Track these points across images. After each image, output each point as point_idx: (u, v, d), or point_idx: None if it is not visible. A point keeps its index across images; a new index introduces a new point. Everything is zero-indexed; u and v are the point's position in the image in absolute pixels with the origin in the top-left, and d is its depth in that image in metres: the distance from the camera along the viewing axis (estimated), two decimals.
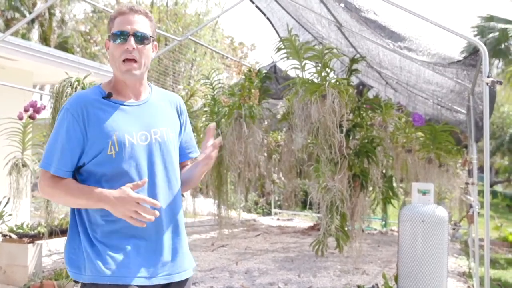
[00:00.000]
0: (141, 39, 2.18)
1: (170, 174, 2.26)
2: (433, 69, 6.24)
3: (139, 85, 2.26)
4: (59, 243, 7.88)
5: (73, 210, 2.20)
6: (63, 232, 6.35)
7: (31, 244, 5.97)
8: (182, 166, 2.42)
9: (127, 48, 2.15)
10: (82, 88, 5.20)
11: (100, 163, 2.13)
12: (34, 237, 6.02)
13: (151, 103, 2.28)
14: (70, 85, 5.11)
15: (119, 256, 2.11)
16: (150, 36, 2.22)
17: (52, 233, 5.98)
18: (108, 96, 2.20)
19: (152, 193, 2.17)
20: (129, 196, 2.02)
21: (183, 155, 2.42)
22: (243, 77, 7.55)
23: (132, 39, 2.16)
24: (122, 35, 2.16)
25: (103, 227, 2.13)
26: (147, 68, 2.25)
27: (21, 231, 6.15)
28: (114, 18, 2.21)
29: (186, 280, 2.30)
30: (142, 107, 2.24)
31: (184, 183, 2.37)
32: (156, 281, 2.16)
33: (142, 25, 2.20)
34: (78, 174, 2.19)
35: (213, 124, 2.33)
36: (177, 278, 2.23)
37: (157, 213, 2.04)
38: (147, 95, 2.29)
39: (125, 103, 2.21)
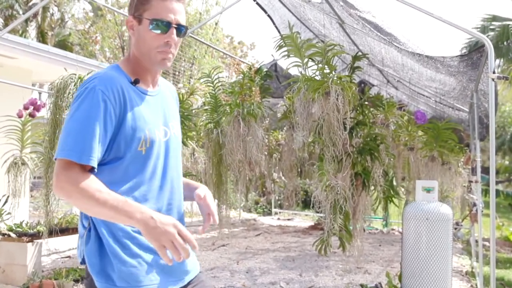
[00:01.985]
0: (181, 32, 1.99)
1: (180, 172, 2.13)
2: (435, 67, 6.19)
3: (159, 73, 2.09)
4: (59, 242, 7.84)
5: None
6: (62, 231, 6.30)
7: (30, 243, 5.91)
8: None
9: (168, 41, 1.94)
10: None
11: (127, 159, 1.89)
12: (33, 236, 5.97)
13: (162, 93, 2.11)
14: (73, 81, 5.05)
15: (147, 263, 1.91)
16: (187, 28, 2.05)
17: (52, 232, 5.91)
18: (135, 83, 1.97)
19: (170, 190, 2.03)
20: (174, 225, 1.73)
21: None
22: (242, 75, 7.48)
23: (174, 31, 1.95)
24: (164, 25, 1.93)
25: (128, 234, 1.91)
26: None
27: (20, 230, 6.10)
28: None
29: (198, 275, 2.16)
30: (158, 98, 2.06)
31: None
32: (181, 283, 2.03)
33: (183, 16, 1.98)
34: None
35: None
36: (192, 276, 2.11)
37: (190, 256, 1.76)
38: (158, 84, 2.11)
39: (148, 93, 2.01)
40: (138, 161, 1.91)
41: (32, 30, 23.16)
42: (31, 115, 6.13)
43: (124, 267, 1.86)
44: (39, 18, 23.10)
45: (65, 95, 5.06)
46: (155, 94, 2.04)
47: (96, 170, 1.82)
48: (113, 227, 1.88)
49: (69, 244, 8.04)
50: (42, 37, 22.66)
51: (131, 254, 1.88)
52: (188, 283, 2.07)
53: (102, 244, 1.89)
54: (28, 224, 6.32)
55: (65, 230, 6.39)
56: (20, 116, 6.15)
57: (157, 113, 2.01)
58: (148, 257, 1.91)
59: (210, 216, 2.10)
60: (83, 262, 1.95)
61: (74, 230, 6.55)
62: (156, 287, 1.90)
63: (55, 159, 1.79)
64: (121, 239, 1.89)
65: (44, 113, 5.92)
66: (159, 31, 1.92)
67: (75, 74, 5.23)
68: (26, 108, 6.12)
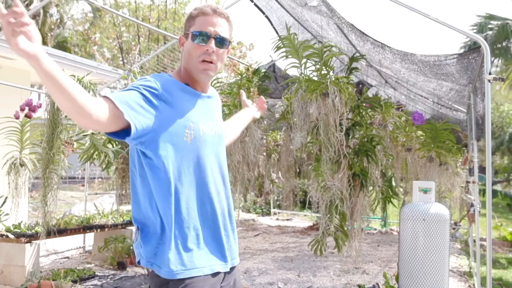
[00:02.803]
0: (221, 42, 2.22)
1: (224, 166, 2.33)
2: (433, 73, 6.21)
3: (207, 83, 2.33)
4: (57, 243, 7.85)
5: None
6: (60, 232, 6.31)
7: (28, 244, 5.92)
8: None
9: (207, 50, 2.18)
10: (84, 87, 5.16)
11: (174, 147, 2.10)
12: (32, 237, 5.98)
13: (212, 97, 2.37)
14: None
15: (196, 247, 2.14)
16: (229, 41, 2.28)
17: (49, 233, 5.92)
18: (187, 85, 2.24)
19: (214, 180, 2.23)
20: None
21: None
22: (240, 75, 7.48)
23: (213, 41, 2.19)
24: (204, 36, 2.19)
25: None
26: (219, 70, 2.30)
27: (19, 230, 6.11)
28: (196, 16, 2.23)
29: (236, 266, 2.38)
30: (209, 100, 2.31)
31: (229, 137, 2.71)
32: (227, 267, 2.23)
33: (223, 28, 2.24)
34: (148, 159, 2.09)
35: (241, 91, 2.86)
36: (236, 262, 2.33)
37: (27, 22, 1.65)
38: (208, 91, 2.36)
39: (201, 94, 2.27)
40: (184, 150, 2.12)
41: None
42: (27, 116, 6.13)
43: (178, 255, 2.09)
44: (39, 21, 23.11)
45: None
46: (206, 97, 2.31)
47: (132, 128, 1.94)
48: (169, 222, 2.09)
49: (68, 245, 8.06)
50: (42, 39, 22.65)
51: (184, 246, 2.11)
52: (230, 271, 2.28)
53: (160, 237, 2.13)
54: (27, 225, 6.33)
55: (63, 231, 6.40)
56: (17, 117, 6.16)
57: (205, 112, 2.26)
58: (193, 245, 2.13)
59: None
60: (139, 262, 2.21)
61: (72, 231, 6.57)
62: (205, 269, 2.12)
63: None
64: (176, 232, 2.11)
65: (41, 114, 5.93)
66: (199, 41, 2.19)
67: (74, 76, 5.23)
68: (22, 109, 6.12)
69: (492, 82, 4.02)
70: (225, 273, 2.22)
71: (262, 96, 2.92)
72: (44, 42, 22.18)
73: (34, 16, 22.34)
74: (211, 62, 2.20)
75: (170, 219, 2.08)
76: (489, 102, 4.19)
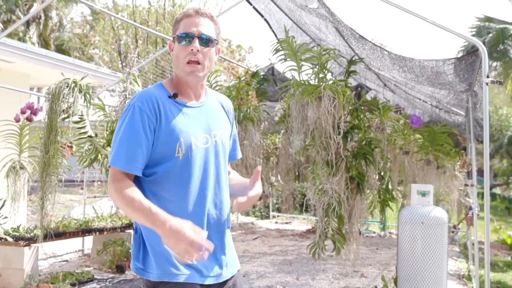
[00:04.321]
0: (206, 41, 2.21)
1: (222, 176, 2.30)
2: (430, 81, 6.22)
3: (200, 87, 2.29)
4: (56, 246, 7.85)
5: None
6: (59, 235, 6.31)
7: (27, 247, 5.93)
8: None
9: (192, 49, 2.17)
10: (80, 89, 5.16)
11: (166, 164, 2.13)
12: (30, 240, 5.98)
13: (209, 105, 2.32)
14: (67, 86, 5.06)
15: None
16: (214, 39, 2.25)
17: (48, 236, 5.92)
18: (174, 96, 2.21)
19: (210, 194, 2.22)
20: (184, 236, 1.90)
21: (229, 156, 2.46)
22: (238, 79, 7.49)
23: (197, 41, 2.18)
24: (187, 37, 2.19)
25: None
26: (209, 70, 2.28)
27: (17, 234, 6.11)
28: (180, 20, 2.24)
29: (234, 275, 2.36)
30: (202, 109, 2.27)
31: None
32: (213, 280, 2.22)
33: (207, 27, 2.23)
34: (142, 175, 2.16)
35: (259, 167, 2.39)
36: (229, 275, 2.30)
37: (205, 256, 1.94)
38: (205, 97, 2.33)
39: (187, 104, 2.23)
40: (176, 165, 2.13)
41: (33, 35, 23.17)
42: (28, 119, 6.14)
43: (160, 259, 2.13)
44: (41, 25, 23.14)
45: (59, 99, 5.07)
46: (198, 105, 2.26)
47: (141, 175, 2.12)
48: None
49: (67, 248, 8.05)
50: (45, 43, 22.67)
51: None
52: (224, 283, 2.27)
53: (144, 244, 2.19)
54: (25, 228, 6.33)
55: (62, 234, 6.40)
56: (17, 121, 6.17)
57: (198, 123, 2.22)
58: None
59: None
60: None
61: (71, 234, 6.57)
62: (185, 277, 2.13)
63: (109, 166, 2.12)
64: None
65: (42, 117, 5.94)
66: (183, 43, 2.19)
67: (69, 79, 5.23)
68: (23, 112, 6.13)
69: (490, 85, 4.03)
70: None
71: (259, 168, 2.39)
72: (47, 45, 22.20)
73: (34, 19, 22.39)
74: (197, 63, 2.19)
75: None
76: (487, 105, 4.20)
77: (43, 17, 22.90)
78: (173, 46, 2.25)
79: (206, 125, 2.25)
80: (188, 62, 2.18)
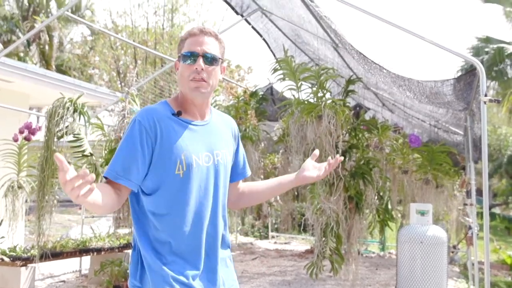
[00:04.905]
0: (210, 60, 2.21)
1: (221, 196, 2.29)
2: (429, 101, 6.23)
3: (205, 106, 2.29)
4: (53, 266, 7.79)
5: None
6: (56, 255, 6.26)
7: (24, 267, 5.88)
8: (235, 185, 2.50)
9: (196, 68, 2.18)
10: (75, 109, 5.15)
11: (166, 181, 2.12)
12: (27, 260, 5.94)
13: (213, 124, 2.32)
14: (62, 106, 5.06)
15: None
16: (219, 58, 2.26)
17: (45, 256, 5.87)
18: (178, 114, 2.21)
19: (209, 213, 2.21)
20: (62, 181, 1.71)
21: (239, 174, 2.49)
22: (237, 98, 7.52)
23: (201, 59, 2.19)
24: (192, 56, 2.19)
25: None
26: (213, 89, 2.27)
27: (14, 254, 6.07)
28: (185, 39, 2.25)
29: None
30: (206, 128, 2.27)
31: (254, 197, 2.55)
32: None
33: (211, 46, 2.23)
34: (142, 192, 2.17)
35: (317, 150, 2.52)
36: None
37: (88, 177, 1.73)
38: (209, 116, 2.33)
39: (192, 123, 2.23)
40: (176, 183, 2.12)
41: (34, 55, 23.29)
42: (27, 139, 6.14)
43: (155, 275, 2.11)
44: (41, 45, 23.27)
45: (56, 119, 5.06)
46: (202, 124, 2.26)
47: (135, 190, 2.12)
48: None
49: (64, 268, 8.00)
50: (46, 63, 22.78)
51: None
52: None
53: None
54: (22, 248, 6.29)
55: (59, 254, 6.36)
56: (15, 140, 6.17)
57: (201, 141, 2.22)
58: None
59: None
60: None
61: (68, 254, 6.53)
62: None
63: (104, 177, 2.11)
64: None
65: (40, 136, 5.94)
66: (188, 62, 2.20)
67: (65, 97, 5.22)
68: (21, 132, 6.13)
69: (488, 104, 4.04)
70: None
71: (340, 157, 2.54)
72: (48, 65, 22.30)
73: (35, 39, 22.52)
74: (202, 81, 2.19)
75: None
76: (485, 124, 4.20)
77: (46, 38, 23.05)
78: (178, 65, 2.26)
79: (209, 144, 2.25)
80: (192, 79, 2.19)
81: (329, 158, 2.48)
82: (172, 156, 2.11)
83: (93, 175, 1.74)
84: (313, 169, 2.49)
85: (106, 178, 2.10)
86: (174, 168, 2.11)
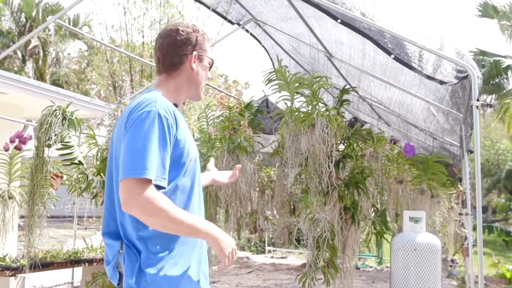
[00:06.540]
0: None
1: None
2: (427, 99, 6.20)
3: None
4: (45, 278, 7.70)
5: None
6: (46, 266, 6.18)
7: (13, 277, 5.81)
8: None
9: (208, 78, 2.35)
10: (64, 117, 5.09)
11: (179, 174, 2.09)
12: (16, 270, 5.86)
13: None
14: (52, 114, 5.01)
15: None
16: None
17: (35, 266, 5.78)
18: (176, 106, 2.22)
19: (201, 204, 2.25)
20: (231, 239, 2.09)
21: None
22: (229, 109, 7.46)
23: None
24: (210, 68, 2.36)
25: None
26: None
27: (3, 263, 5.99)
28: (208, 41, 2.32)
29: None
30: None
31: None
32: None
33: None
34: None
35: (238, 166, 2.88)
36: None
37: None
38: None
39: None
40: (186, 175, 2.11)
41: (29, 69, 23.35)
42: (17, 148, 6.09)
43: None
44: (39, 60, 23.34)
45: (45, 127, 5.01)
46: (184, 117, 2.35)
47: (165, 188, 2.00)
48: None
49: (55, 280, 7.91)
50: (40, 77, 22.80)
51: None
52: None
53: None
54: (12, 258, 6.21)
55: (50, 264, 6.28)
56: (6, 150, 6.11)
57: (190, 134, 2.24)
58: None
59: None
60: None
61: (59, 265, 6.45)
62: None
63: (124, 178, 1.91)
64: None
65: (31, 146, 5.88)
66: (209, 72, 2.34)
67: (54, 105, 5.17)
68: (12, 141, 6.08)
69: (480, 109, 4.00)
70: None
71: (238, 165, 3.02)
72: (42, 80, 22.32)
73: (32, 54, 22.59)
74: None
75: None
76: (478, 129, 4.16)
77: (41, 53, 23.12)
78: (196, 59, 2.25)
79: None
80: (203, 86, 2.32)
81: (237, 166, 2.79)
82: (184, 148, 2.09)
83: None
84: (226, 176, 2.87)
85: (157, 185, 1.94)
86: (186, 161, 2.10)
